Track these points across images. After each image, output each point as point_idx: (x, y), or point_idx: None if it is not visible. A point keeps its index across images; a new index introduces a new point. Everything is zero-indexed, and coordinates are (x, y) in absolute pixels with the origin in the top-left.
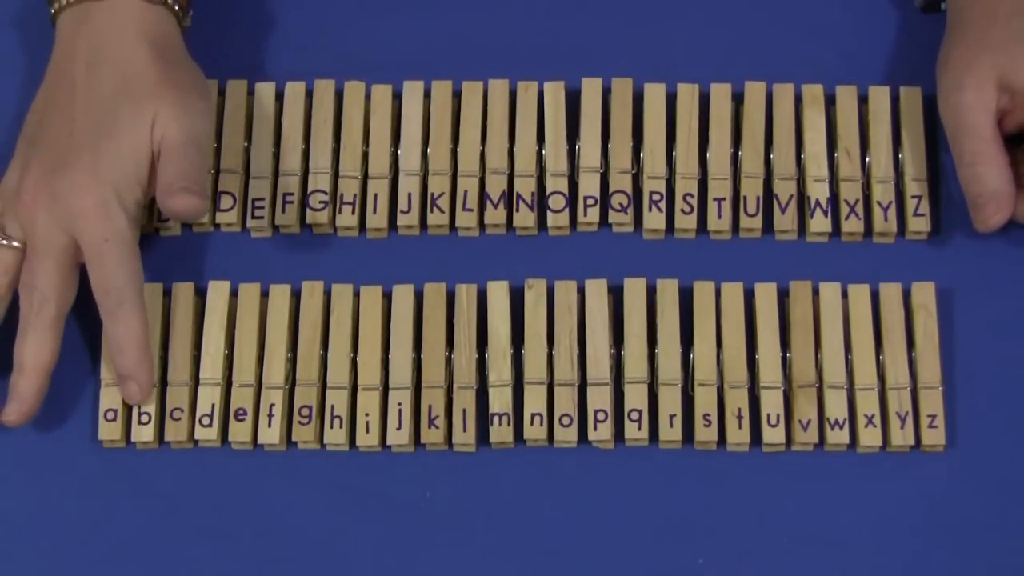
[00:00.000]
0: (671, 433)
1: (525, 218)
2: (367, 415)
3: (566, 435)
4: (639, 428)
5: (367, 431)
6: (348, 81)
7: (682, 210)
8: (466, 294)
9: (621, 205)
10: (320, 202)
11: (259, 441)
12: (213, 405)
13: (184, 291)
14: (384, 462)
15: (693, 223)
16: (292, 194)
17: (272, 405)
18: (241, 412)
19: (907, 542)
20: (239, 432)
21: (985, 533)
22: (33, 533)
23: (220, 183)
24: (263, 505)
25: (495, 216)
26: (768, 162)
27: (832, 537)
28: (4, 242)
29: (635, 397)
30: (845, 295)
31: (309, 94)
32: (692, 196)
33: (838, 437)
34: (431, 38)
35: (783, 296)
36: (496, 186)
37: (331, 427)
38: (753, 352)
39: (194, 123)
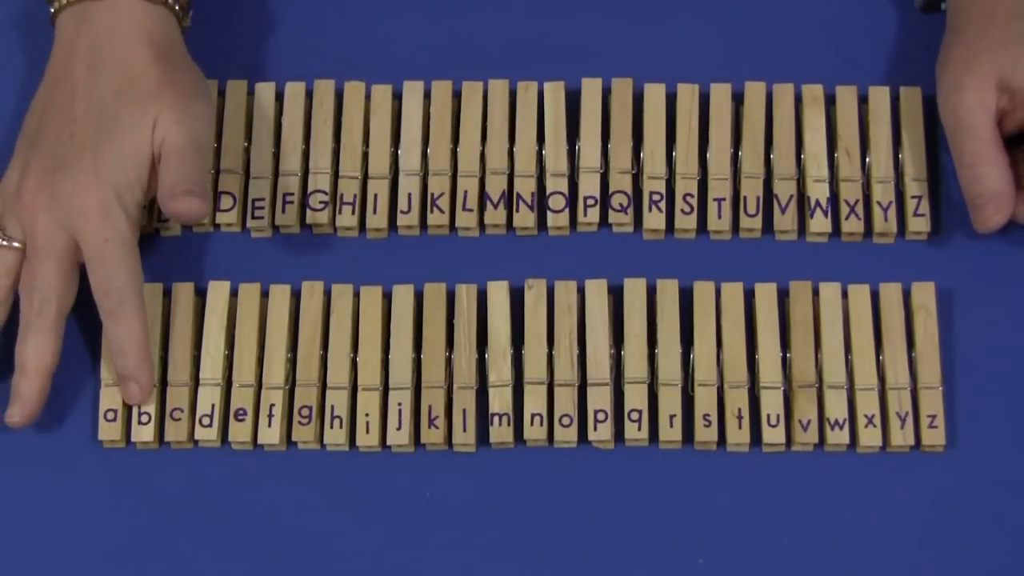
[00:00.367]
0: (671, 433)
1: (525, 218)
2: (367, 415)
3: (566, 435)
4: (639, 428)
5: (367, 431)
6: (348, 81)
7: (682, 210)
8: (466, 294)
9: (621, 205)
10: (320, 202)
11: (259, 441)
12: (213, 405)
13: (184, 291)
14: (384, 462)
15: (693, 223)
16: (292, 194)
17: (272, 405)
18: (241, 412)
19: (907, 542)
20: (239, 432)
21: (985, 533)
22: (33, 533)
23: (220, 183)
24: (263, 505)
25: (495, 216)
26: (768, 162)
27: (832, 537)
28: (4, 243)
29: (635, 397)
30: (845, 295)
31: (309, 94)
32: (692, 196)
33: (838, 437)
34: (431, 38)
35: (783, 296)
36: (496, 186)
37: (331, 427)
38: (753, 352)
39: (195, 126)
